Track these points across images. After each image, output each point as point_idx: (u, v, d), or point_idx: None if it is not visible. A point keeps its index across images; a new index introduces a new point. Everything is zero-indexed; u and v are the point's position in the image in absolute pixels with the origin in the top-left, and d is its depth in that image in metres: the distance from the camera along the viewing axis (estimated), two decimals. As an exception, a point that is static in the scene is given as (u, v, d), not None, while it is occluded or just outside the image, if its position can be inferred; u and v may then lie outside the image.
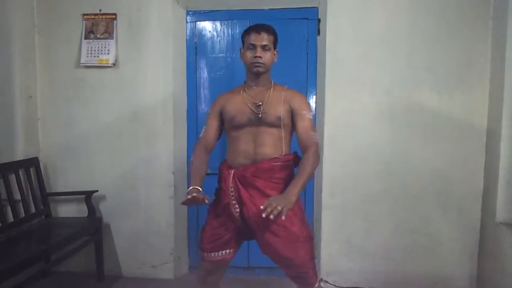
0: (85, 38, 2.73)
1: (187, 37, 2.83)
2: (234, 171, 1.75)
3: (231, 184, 1.74)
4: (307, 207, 2.81)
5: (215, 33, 2.81)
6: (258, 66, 1.75)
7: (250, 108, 1.76)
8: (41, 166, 2.77)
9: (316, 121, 2.74)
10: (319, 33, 2.70)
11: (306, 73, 2.75)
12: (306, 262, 1.74)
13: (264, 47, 1.75)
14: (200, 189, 1.69)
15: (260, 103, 1.76)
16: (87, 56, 2.72)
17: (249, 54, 1.76)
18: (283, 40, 2.72)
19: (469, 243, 2.52)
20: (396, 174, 2.54)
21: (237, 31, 2.78)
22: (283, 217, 1.46)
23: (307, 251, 1.74)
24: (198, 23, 2.82)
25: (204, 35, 2.82)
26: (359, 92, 2.53)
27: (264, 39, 1.75)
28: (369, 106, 2.53)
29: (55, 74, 2.79)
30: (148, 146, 2.74)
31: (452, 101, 2.47)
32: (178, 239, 2.83)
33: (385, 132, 2.53)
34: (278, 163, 1.75)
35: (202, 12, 2.81)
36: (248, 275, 2.68)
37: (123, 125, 2.76)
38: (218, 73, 2.81)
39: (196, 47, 2.83)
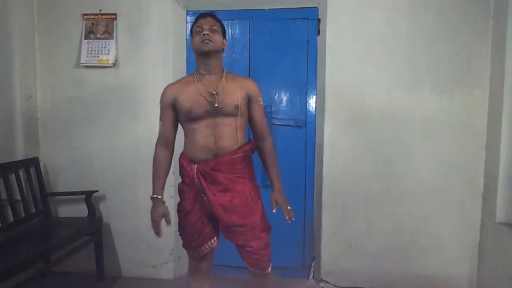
0: (85, 38, 2.73)
1: (187, 37, 2.83)
2: (197, 166, 1.73)
3: (196, 179, 1.73)
4: (307, 207, 2.81)
5: (215, 33, 2.80)
6: (207, 43, 1.68)
7: (206, 99, 1.70)
8: (41, 166, 2.77)
9: (316, 121, 2.75)
10: (319, 33, 2.70)
11: (306, 73, 2.75)
12: (260, 229, 1.78)
13: (211, 28, 1.71)
14: (160, 198, 1.81)
15: (215, 92, 1.71)
16: (87, 56, 2.72)
17: (197, 37, 1.71)
18: (283, 40, 2.77)
19: (469, 243, 2.52)
20: (396, 174, 2.54)
21: (237, 31, 2.78)
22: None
23: (263, 227, 1.79)
24: (198, 23, 2.82)
25: (204, 35, 2.82)
26: (359, 92, 2.53)
27: (211, 22, 1.73)
28: (369, 106, 2.53)
29: (55, 74, 2.80)
30: (148, 146, 2.72)
31: (452, 101, 2.47)
32: (178, 239, 2.81)
33: (385, 132, 2.53)
34: (238, 155, 1.74)
35: (202, 12, 2.80)
36: (248, 275, 2.67)
37: (123, 125, 2.76)
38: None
39: (196, 47, 2.83)
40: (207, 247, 1.81)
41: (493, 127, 2.37)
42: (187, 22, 2.82)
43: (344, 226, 2.60)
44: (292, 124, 2.77)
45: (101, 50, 2.71)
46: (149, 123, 2.72)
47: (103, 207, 2.84)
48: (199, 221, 1.78)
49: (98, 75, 2.74)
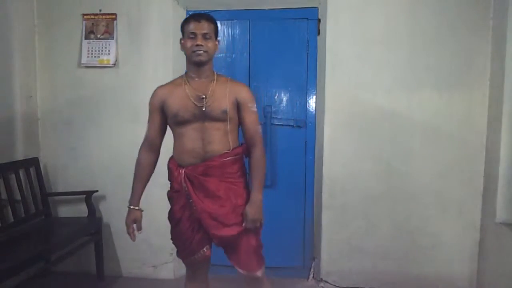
0: (85, 38, 2.73)
1: (187, 37, 2.83)
2: (184, 170, 1.70)
3: (184, 184, 1.70)
4: (307, 207, 2.81)
5: (215, 33, 2.80)
6: (200, 55, 1.64)
7: (193, 102, 1.67)
8: (41, 166, 2.77)
9: (316, 121, 2.75)
10: (319, 33, 2.70)
11: (306, 73, 2.75)
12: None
13: (205, 36, 1.65)
14: (133, 208, 1.82)
15: (204, 96, 1.67)
16: (88, 57, 2.72)
17: (189, 43, 1.65)
18: (283, 40, 2.76)
19: (469, 243, 2.52)
20: (396, 174, 2.54)
21: (237, 31, 2.78)
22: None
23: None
24: (198, 23, 2.82)
25: (204, 35, 2.82)
26: (359, 92, 2.53)
27: (205, 27, 1.66)
28: (369, 106, 2.53)
29: (55, 74, 2.80)
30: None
31: (452, 101, 2.47)
32: (178, 239, 2.82)
33: (385, 132, 2.53)
34: (228, 158, 1.70)
35: (202, 12, 2.80)
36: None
37: (123, 125, 2.76)
38: (218, 73, 2.80)
39: (196, 47, 2.82)
40: (199, 255, 1.78)
41: (493, 127, 2.37)
42: (187, 22, 2.82)
43: (344, 226, 2.60)
44: (292, 124, 2.77)
45: (102, 50, 2.71)
46: (149, 123, 2.73)
47: (103, 207, 2.84)
48: (190, 229, 1.75)
49: (98, 75, 2.74)
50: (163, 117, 1.76)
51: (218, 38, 1.77)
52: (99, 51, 2.71)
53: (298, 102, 2.78)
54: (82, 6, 2.73)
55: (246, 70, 2.75)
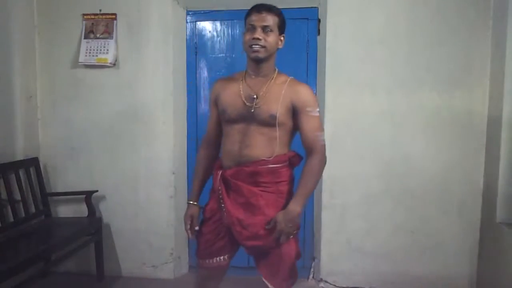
0: (85, 38, 2.73)
1: (187, 37, 2.83)
2: (221, 172, 1.59)
3: (219, 187, 1.58)
4: (307, 207, 2.81)
5: (215, 33, 2.81)
6: (257, 51, 1.50)
7: (244, 101, 1.54)
8: (41, 166, 2.77)
9: (316, 121, 2.74)
10: (319, 33, 2.70)
11: (306, 73, 2.75)
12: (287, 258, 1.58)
13: (264, 28, 1.49)
14: (191, 203, 1.71)
15: (255, 96, 1.53)
16: (86, 55, 2.71)
17: (248, 35, 1.52)
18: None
19: (469, 243, 2.52)
20: (396, 174, 2.54)
21: (237, 31, 2.78)
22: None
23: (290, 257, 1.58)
24: (198, 23, 2.82)
25: (204, 35, 2.82)
26: (359, 92, 2.53)
27: (266, 19, 1.50)
28: (369, 106, 2.53)
29: (55, 74, 2.79)
30: (148, 146, 2.74)
31: (452, 101, 2.47)
32: (178, 239, 2.83)
33: (385, 132, 2.53)
34: (265, 166, 1.54)
35: (202, 12, 2.81)
36: (248, 275, 2.67)
37: (123, 125, 2.76)
38: (218, 73, 2.81)
39: (196, 47, 2.82)
40: (215, 261, 1.66)
41: (493, 127, 2.37)
42: (187, 22, 2.82)
43: (344, 226, 2.60)
44: (292, 124, 2.76)
45: (100, 50, 2.70)
46: (149, 123, 2.73)
47: (103, 207, 2.84)
48: (214, 232, 1.65)
49: (98, 75, 2.74)
50: (218, 111, 1.65)
51: (284, 34, 1.59)
52: (97, 50, 2.70)
53: (298, 102, 2.77)
54: (82, 6, 2.73)
55: (246, 70, 2.75)
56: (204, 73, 2.84)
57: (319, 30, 2.70)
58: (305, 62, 2.74)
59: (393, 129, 2.52)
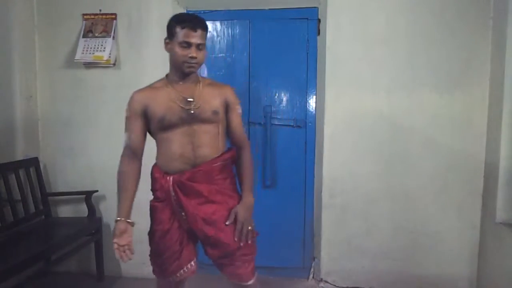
0: (83, 37, 2.72)
1: (187, 37, 2.83)
2: (173, 177, 1.63)
3: (172, 193, 1.63)
4: (307, 207, 2.81)
5: (215, 33, 2.81)
6: (193, 67, 1.60)
7: (180, 106, 1.60)
8: (41, 166, 2.77)
9: (316, 121, 2.75)
10: (319, 33, 2.70)
11: (306, 73, 2.75)
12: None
13: (198, 46, 1.58)
14: (130, 222, 1.71)
15: (191, 99, 1.61)
16: (83, 53, 2.69)
17: (182, 51, 1.57)
18: (283, 40, 2.76)
19: (469, 243, 2.52)
20: (396, 174, 2.54)
21: (237, 31, 2.78)
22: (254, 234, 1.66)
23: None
24: (198, 23, 2.82)
25: (204, 35, 2.82)
26: (359, 92, 2.53)
27: (202, 37, 1.58)
28: (369, 106, 2.53)
29: (55, 74, 2.79)
30: (148, 147, 2.73)
31: (452, 101, 2.47)
32: (178, 239, 2.82)
33: (385, 132, 2.53)
34: (217, 164, 1.64)
35: (202, 12, 2.80)
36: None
37: (123, 125, 2.74)
38: (218, 73, 2.81)
39: (196, 47, 2.82)
40: (186, 270, 1.69)
41: (493, 127, 2.37)
42: (187, 22, 2.82)
43: (344, 226, 2.60)
44: (292, 124, 2.76)
45: (97, 47, 2.69)
46: (149, 123, 2.72)
47: (103, 207, 2.84)
48: (178, 241, 1.67)
49: (98, 75, 2.74)
50: (145, 123, 1.68)
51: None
52: (94, 48, 2.68)
53: (298, 102, 2.77)
54: (82, 6, 2.73)
55: (246, 70, 2.75)
56: (204, 73, 2.84)
57: (319, 30, 2.70)
58: (305, 62, 2.74)
59: (393, 129, 2.52)
